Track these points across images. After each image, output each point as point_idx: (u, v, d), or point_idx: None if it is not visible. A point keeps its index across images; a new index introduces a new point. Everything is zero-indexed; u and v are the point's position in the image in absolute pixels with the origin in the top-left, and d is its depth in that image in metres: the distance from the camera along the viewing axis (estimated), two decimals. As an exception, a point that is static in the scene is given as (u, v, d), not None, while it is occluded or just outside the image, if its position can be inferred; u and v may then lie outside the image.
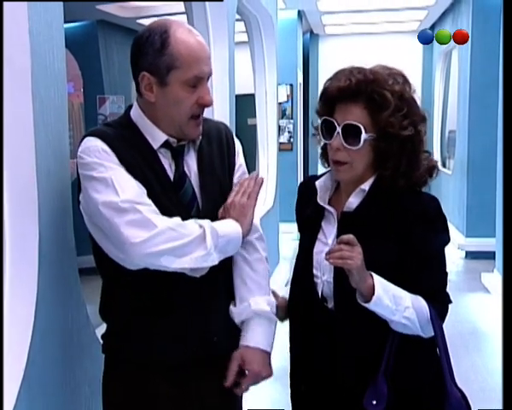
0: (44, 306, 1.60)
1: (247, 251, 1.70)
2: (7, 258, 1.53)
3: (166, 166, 1.59)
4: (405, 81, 1.59)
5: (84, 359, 1.85)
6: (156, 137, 1.58)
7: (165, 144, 1.59)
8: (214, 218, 1.61)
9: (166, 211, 1.54)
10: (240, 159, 1.76)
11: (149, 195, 1.52)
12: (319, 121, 1.65)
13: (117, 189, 1.46)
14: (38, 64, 1.59)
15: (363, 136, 1.53)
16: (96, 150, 1.50)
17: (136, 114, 1.62)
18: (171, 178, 1.59)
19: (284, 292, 1.80)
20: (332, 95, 1.57)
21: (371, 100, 1.53)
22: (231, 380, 1.62)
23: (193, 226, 1.50)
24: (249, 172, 1.76)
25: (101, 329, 1.71)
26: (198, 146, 1.65)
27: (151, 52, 1.51)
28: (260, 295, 1.68)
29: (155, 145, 1.58)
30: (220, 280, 1.65)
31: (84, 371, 1.85)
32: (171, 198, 1.57)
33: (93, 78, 7.05)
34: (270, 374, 1.67)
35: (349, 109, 1.54)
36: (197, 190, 1.62)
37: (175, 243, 1.45)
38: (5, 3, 1.46)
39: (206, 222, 1.52)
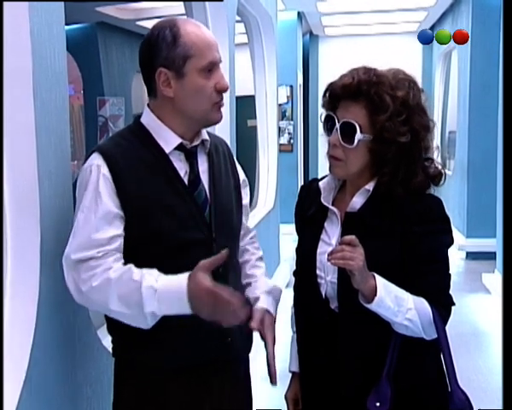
0: (46, 307, 1.60)
1: (248, 253, 1.83)
2: (8, 259, 1.53)
3: (180, 169, 1.60)
4: (414, 88, 1.58)
5: (85, 360, 1.85)
6: (169, 140, 1.59)
7: (179, 147, 1.60)
8: (225, 219, 1.65)
9: (181, 213, 1.56)
10: (242, 173, 1.82)
11: (162, 200, 1.55)
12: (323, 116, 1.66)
13: (74, 234, 1.51)
14: (40, 65, 1.59)
15: (358, 135, 1.53)
16: (94, 175, 1.51)
17: (148, 119, 1.62)
18: (185, 180, 1.60)
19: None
20: (336, 91, 1.58)
21: (371, 101, 1.53)
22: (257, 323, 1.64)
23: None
24: (247, 175, 1.84)
25: (103, 330, 1.71)
26: (208, 149, 1.68)
27: (164, 47, 1.53)
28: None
29: (168, 149, 1.59)
30: (230, 280, 1.66)
31: (85, 373, 1.85)
32: (186, 200, 1.59)
33: (93, 80, 7.06)
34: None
35: (349, 107, 1.55)
36: (208, 191, 1.64)
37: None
38: (6, 4, 1.46)
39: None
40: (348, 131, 1.54)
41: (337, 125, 1.56)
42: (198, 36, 1.56)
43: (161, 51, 1.54)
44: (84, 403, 1.84)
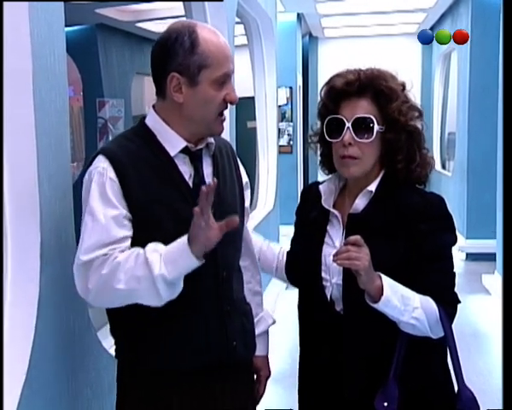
0: (46, 309, 1.60)
1: (246, 260, 1.82)
2: (8, 261, 1.53)
3: (184, 172, 1.59)
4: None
5: (85, 361, 1.85)
6: (175, 143, 1.58)
7: (183, 150, 1.59)
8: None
9: (185, 216, 1.53)
10: (245, 176, 1.81)
11: (167, 203, 1.54)
12: (319, 124, 1.67)
13: (83, 238, 1.49)
14: (39, 66, 1.59)
15: (376, 127, 1.55)
16: (100, 178, 1.50)
17: (153, 121, 1.61)
18: (190, 184, 1.59)
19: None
20: (338, 90, 1.59)
21: (379, 93, 1.57)
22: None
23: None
24: (248, 176, 1.83)
25: (104, 331, 1.71)
26: (213, 152, 1.67)
27: (181, 53, 1.51)
28: (262, 306, 1.87)
29: (173, 152, 1.57)
30: (234, 283, 1.66)
31: (85, 374, 1.85)
32: (191, 203, 1.54)
33: (92, 81, 7.05)
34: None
35: (357, 104, 1.58)
36: (212, 194, 1.62)
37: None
38: (5, 5, 1.46)
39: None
40: (363, 127, 1.56)
41: (348, 124, 1.57)
42: (216, 46, 1.54)
43: (177, 56, 1.52)
44: (84, 404, 1.84)
